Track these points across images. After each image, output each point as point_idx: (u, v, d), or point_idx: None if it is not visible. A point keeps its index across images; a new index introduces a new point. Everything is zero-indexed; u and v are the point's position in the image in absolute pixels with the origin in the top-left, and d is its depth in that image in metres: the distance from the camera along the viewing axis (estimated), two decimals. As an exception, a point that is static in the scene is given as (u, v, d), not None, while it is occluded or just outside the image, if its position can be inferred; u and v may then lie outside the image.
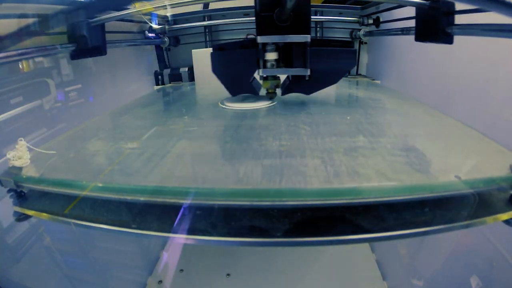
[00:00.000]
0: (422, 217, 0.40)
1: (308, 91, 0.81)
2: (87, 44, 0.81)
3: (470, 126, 0.59)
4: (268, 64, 0.70)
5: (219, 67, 0.77)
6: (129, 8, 0.94)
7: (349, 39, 0.82)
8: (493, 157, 0.47)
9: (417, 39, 0.81)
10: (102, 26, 0.86)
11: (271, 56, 0.69)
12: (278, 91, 0.82)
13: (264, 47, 0.69)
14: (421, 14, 0.78)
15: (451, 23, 0.70)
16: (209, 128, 0.68)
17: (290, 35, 0.66)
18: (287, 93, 0.81)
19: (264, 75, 0.74)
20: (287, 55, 0.70)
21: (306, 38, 0.66)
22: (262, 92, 0.82)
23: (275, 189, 0.39)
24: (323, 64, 0.71)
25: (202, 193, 0.40)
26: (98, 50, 0.86)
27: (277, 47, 0.69)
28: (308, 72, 0.70)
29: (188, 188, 0.40)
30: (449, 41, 0.71)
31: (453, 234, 0.44)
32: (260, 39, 0.67)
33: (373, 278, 1.12)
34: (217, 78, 0.77)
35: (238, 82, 0.79)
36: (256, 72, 0.74)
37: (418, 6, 0.76)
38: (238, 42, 0.75)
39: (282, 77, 0.80)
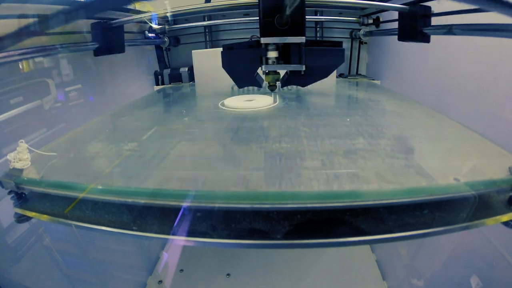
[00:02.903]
0: (422, 219, 0.40)
1: (303, 84, 0.94)
2: (110, 42, 0.95)
3: (469, 127, 0.59)
4: (270, 61, 0.81)
5: (229, 64, 0.87)
6: (148, 12, 1.04)
7: (340, 40, 0.96)
8: (492, 159, 0.47)
9: (400, 39, 0.93)
10: (121, 27, 0.98)
11: (272, 54, 0.80)
12: (278, 84, 0.91)
13: (267, 46, 0.79)
14: (403, 17, 0.90)
15: (428, 24, 0.81)
16: (208, 130, 0.68)
17: (288, 36, 0.76)
18: (286, 86, 0.94)
19: (266, 70, 0.84)
20: (286, 53, 0.81)
21: (302, 39, 0.76)
22: (264, 85, 0.91)
23: (275, 192, 0.39)
24: (316, 61, 0.81)
25: (203, 196, 0.40)
26: (118, 48, 1.00)
27: (277, 47, 0.80)
28: (304, 68, 0.81)
29: (188, 191, 0.40)
30: (426, 40, 0.82)
31: (453, 234, 0.44)
32: (264, 40, 0.77)
33: (373, 278, 1.12)
34: (227, 73, 0.87)
35: (244, 76, 0.90)
36: (260, 68, 0.84)
37: (400, 10, 0.90)
38: (245, 42, 0.85)
39: (282, 73, 0.89)
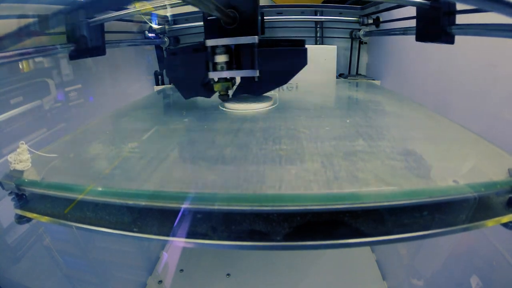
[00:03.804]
0: (421, 221, 0.40)
1: (258, 92, 0.81)
2: (86, 44, 0.81)
3: (469, 129, 0.59)
4: (218, 67, 0.70)
5: (173, 72, 0.77)
6: (128, 8, 0.94)
7: (302, 38, 0.80)
8: (492, 161, 0.47)
9: (418, 39, 0.81)
10: (101, 26, 0.85)
11: (221, 58, 0.69)
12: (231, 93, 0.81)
13: (214, 50, 0.68)
14: (422, 14, 0.77)
15: (452, 23, 0.70)
16: (209, 130, 0.68)
17: (237, 37, 0.65)
18: (239, 94, 0.81)
19: (215, 78, 0.73)
20: (238, 57, 0.70)
21: (254, 39, 0.65)
22: (215, 95, 0.81)
23: (275, 194, 0.39)
24: (272, 64, 0.70)
25: (203, 198, 0.40)
26: (98, 50, 0.86)
27: (229, 50, 0.69)
28: (257, 73, 0.70)
29: (188, 193, 0.40)
30: (450, 41, 0.71)
31: (453, 235, 0.44)
32: (208, 42, 0.67)
33: (373, 278, 1.13)
34: (171, 82, 0.77)
35: (190, 86, 0.79)
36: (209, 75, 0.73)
37: (419, 6, 0.75)
38: (191, 46, 0.74)
39: (239, 79, 0.79)
